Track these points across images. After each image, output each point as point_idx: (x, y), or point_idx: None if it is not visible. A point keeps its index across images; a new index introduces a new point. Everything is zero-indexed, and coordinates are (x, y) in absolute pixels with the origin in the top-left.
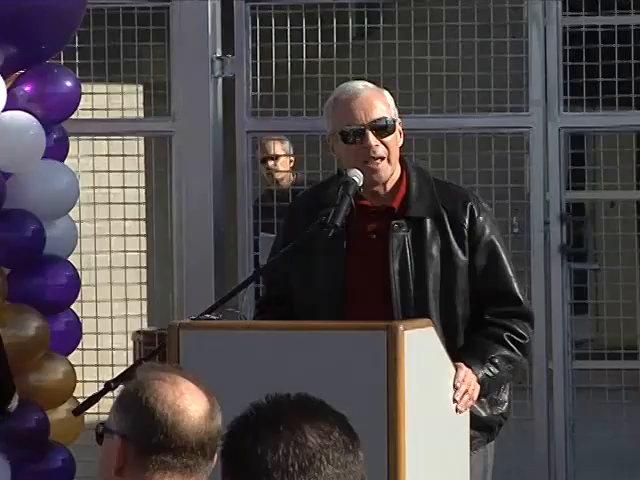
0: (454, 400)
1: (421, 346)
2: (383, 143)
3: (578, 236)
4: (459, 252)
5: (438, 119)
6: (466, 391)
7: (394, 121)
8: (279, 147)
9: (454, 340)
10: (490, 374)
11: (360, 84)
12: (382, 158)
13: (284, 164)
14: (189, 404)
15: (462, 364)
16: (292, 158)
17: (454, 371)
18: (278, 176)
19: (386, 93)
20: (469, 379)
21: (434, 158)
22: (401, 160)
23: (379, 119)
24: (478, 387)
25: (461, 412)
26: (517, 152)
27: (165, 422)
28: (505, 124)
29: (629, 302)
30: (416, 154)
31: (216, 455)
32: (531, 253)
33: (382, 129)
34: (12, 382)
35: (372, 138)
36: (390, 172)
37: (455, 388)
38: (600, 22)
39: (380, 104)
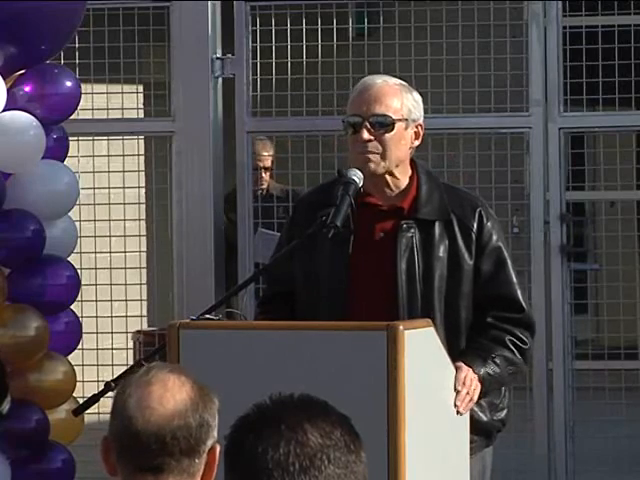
0: (455, 404)
1: (421, 346)
2: (378, 140)
3: (578, 236)
4: (466, 255)
5: (438, 119)
6: (467, 393)
7: (401, 120)
8: (269, 158)
9: (456, 343)
10: (491, 372)
11: (380, 78)
12: (372, 153)
13: (269, 170)
14: (151, 404)
15: (462, 364)
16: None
17: (454, 371)
18: (264, 185)
19: (409, 94)
20: (469, 380)
21: (434, 158)
22: (412, 162)
23: (379, 115)
24: (479, 387)
25: (462, 414)
26: (517, 152)
27: (129, 424)
28: (505, 124)
29: (629, 302)
30: (416, 154)
31: (204, 453)
32: (531, 253)
33: (376, 125)
34: (6, 384)
35: (365, 133)
36: (383, 169)
37: (456, 391)
38: (600, 22)
39: (390, 100)
